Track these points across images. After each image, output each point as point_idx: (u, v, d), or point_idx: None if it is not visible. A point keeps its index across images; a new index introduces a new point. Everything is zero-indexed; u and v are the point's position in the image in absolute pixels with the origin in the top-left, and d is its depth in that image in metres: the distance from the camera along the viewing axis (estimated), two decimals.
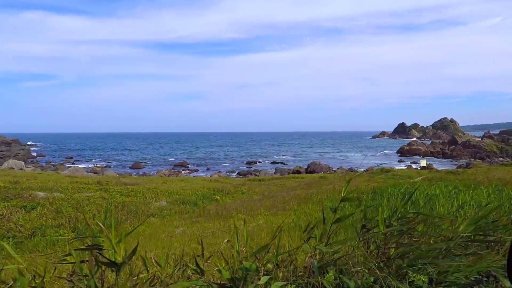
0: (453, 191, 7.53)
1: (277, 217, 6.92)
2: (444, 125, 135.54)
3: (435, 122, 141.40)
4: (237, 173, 39.46)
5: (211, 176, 34.91)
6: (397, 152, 69.63)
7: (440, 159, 58.51)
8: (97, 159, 57.61)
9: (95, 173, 35.64)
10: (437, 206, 5.78)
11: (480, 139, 65.66)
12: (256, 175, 35.09)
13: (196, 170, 44.19)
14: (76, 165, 43.37)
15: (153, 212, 8.06)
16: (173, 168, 45.45)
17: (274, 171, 40.01)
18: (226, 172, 41.65)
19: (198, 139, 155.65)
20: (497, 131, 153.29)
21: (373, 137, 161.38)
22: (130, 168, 47.27)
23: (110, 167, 46.86)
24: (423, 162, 26.37)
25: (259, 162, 54.50)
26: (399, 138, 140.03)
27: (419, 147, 66.27)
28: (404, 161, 53.81)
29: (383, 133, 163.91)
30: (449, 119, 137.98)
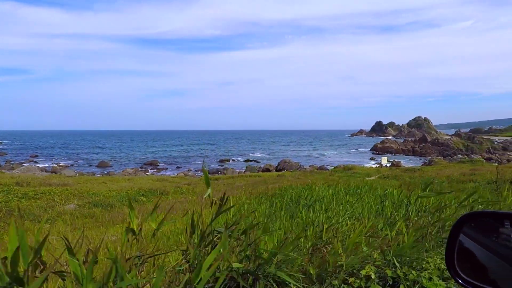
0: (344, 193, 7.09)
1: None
2: (418, 123, 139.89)
3: (410, 120, 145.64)
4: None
5: (177, 174, 33.87)
6: (371, 150, 70.88)
7: (410, 156, 59.95)
8: (63, 158, 54.93)
9: (53, 172, 33.76)
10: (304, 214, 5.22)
11: (449, 137, 67.87)
12: (224, 173, 34.39)
13: (165, 169, 42.88)
14: (34, 165, 40.98)
15: (50, 217, 7.19)
16: (141, 167, 43.92)
17: (244, 169, 39.45)
18: (195, 170, 40.61)
19: (177, 137, 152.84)
20: (468, 130, 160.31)
21: (352, 135, 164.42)
22: (96, 167, 45.32)
23: (73, 165, 44.78)
24: (384, 160, 26.54)
25: (233, 160, 53.79)
26: (376, 136, 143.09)
27: (392, 145, 67.72)
28: (375, 159, 54.61)
29: (361, 131, 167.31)
30: (423, 117, 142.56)
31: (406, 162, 48.74)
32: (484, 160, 32.64)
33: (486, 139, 67.93)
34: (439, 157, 43.86)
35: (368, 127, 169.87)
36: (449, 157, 43.31)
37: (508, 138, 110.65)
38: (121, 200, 9.30)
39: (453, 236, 0.90)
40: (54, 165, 42.67)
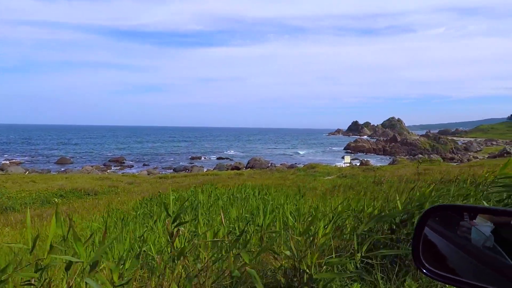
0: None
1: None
2: (392, 124, 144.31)
3: (384, 121, 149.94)
4: (173, 170, 37.30)
5: (139, 172, 32.35)
6: (344, 149, 71.89)
7: (381, 155, 61.26)
8: (18, 154, 51.35)
9: (1, 170, 31.28)
10: None
11: (417, 137, 70.05)
12: (190, 171, 33.27)
13: (131, 166, 41.08)
14: None
15: None
16: (104, 164, 41.82)
17: (214, 167, 38.49)
18: (162, 168, 39.23)
19: (152, 134, 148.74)
20: (437, 131, 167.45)
21: (329, 134, 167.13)
22: (55, 163, 42.69)
23: (28, 162, 41.93)
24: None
25: (205, 157, 52.60)
26: (352, 135, 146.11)
27: (364, 144, 69.02)
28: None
29: (338, 131, 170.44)
30: (396, 118, 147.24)
31: (376, 161, 49.68)
32: (442, 160, 33.59)
33: (451, 139, 70.75)
34: (402, 157, 44.94)
35: (346, 127, 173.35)
36: (411, 156, 44.41)
37: (472, 139, 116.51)
38: (31, 201, 8.16)
39: (419, 229, 0.92)
40: (6, 161, 39.63)
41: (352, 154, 63.56)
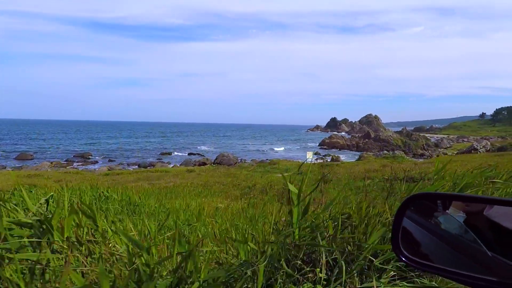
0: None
1: None
2: (369, 120, 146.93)
3: (361, 118, 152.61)
4: (138, 165, 36.05)
5: (98, 168, 30.93)
6: (319, 145, 72.49)
7: (354, 151, 62.12)
8: None
9: None
10: None
11: (390, 134, 71.51)
12: (152, 167, 32.19)
13: (95, 162, 39.36)
14: None
15: None
16: (66, 160, 39.88)
17: (180, 163, 37.50)
18: (127, 164, 37.83)
19: (128, 129, 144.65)
20: (412, 128, 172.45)
21: (308, 130, 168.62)
22: (14, 159, 40.35)
23: None
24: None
25: (176, 153, 51.36)
26: (330, 132, 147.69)
27: (338, 140, 69.79)
28: (319, 154, 55.61)
29: (317, 127, 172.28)
30: (373, 115, 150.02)
31: (348, 157, 50.14)
32: (405, 156, 34.26)
33: (422, 136, 72.83)
34: (369, 153, 45.62)
35: (325, 123, 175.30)
36: (380, 152, 45.18)
37: (445, 136, 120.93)
38: None
39: (398, 217, 0.95)
40: None
41: (326, 150, 64.24)
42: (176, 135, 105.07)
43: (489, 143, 59.29)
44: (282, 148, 68.26)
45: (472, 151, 54.90)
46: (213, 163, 36.82)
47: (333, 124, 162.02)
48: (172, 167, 33.07)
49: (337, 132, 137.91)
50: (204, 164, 36.04)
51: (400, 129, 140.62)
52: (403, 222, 0.96)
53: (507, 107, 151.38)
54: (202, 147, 64.15)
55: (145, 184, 10.79)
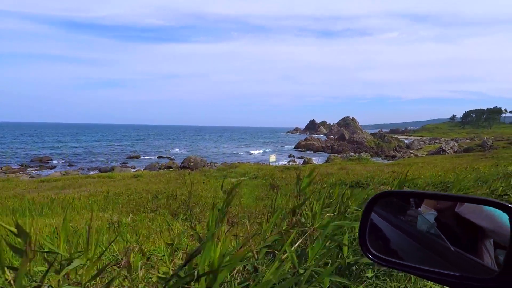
0: None
1: None
2: (346, 123, 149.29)
3: (339, 120, 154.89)
4: (99, 170, 33.95)
5: (50, 174, 28.69)
6: (295, 147, 72.22)
7: (328, 153, 62.19)
8: None
9: None
10: None
11: (363, 136, 72.31)
12: (112, 171, 30.30)
13: (53, 167, 36.77)
14: None
15: None
16: (21, 165, 37.02)
17: (144, 167, 35.73)
18: (88, 169, 35.60)
19: (103, 131, 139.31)
20: (388, 130, 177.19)
21: (287, 132, 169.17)
22: None
23: None
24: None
25: (144, 157, 49.24)
26: (309, 134, 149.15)
27: (314, 142, 69.80)
28: (293, 156, 55.23)
29: (296, 129, 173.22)
30: (351, 118, 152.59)
31: (322, 159, 49.93)
32: (370, 158, 34.28)
33: (395, 138, 74.16)
34: (336, 155, 45.64)
35: (304, 126, 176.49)
36: (345, 154, 45.18)
37: (418, 137, 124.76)
38: None
39: (365, 215, 0.95)
40: None
41: (302, 152, 64.03)
42: (152, 138, 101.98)
43: (456, 144, 61.20)
44: (260, 151, 67.37)
45: (441, 152, 56.43)
46: (180, 167, 35.34)
47: (312, 126, 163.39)
48: (136, 171, 31.33)
49: (316, 134, 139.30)
50: (170, 168, 34.50)
51: (377, 131, 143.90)
52: (371, 220, 0.93)
53: (475, 110, 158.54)
54: (175, 150, 62.22)
55: (61, 193, 9.40)
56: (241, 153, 62.51)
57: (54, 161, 41.27)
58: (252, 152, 66.16)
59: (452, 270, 0.73)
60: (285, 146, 78.30)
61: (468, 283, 0.70)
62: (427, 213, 0.84)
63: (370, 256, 0.90)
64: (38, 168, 35.49)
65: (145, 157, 49.12)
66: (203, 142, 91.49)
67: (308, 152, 64.99)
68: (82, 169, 35.70)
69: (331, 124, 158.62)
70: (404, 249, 0.88)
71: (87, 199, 7.33)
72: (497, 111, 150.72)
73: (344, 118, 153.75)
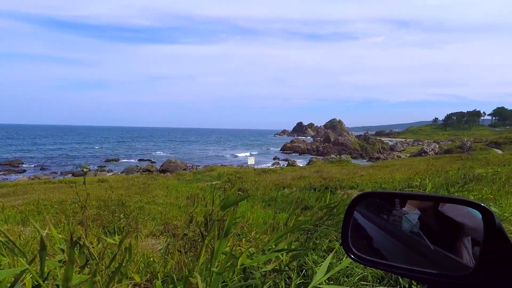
0: None
1: None
2: (333, 125, 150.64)
3: (326, 122, 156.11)
4: (72, 174, 32.52)
5: (19, 178, 27.18)
6: (281, 150, 71.90)
7: (314, 155, 62.13)
8: None
9: None
10: None
11: (349, 137, 72.69)
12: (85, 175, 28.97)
13: (23, 171, 35.00)
14: None
15: None
16: None
17: (121, 171, 34.48)
18: (61, 173, 34.09)
19: (85, 134, 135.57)
20: (374, 132, 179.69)
21: (275, 135, 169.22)
22: None
23: None
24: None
25: (125, 160, 47.78)
26: (297, 136, 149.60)
27: (299, 144, 69.66)
28: (278, 158, 54.82)
29: (284, 131, 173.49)
30: (337, 120, 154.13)
31: (304, 161, 49.74)
32: (351, 160, 34.20)
33: (379, 140, 74.90)
34: (318, 157, 45.52)
35: (292, 128, 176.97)
36: (327, 156, 45.09)
37: (402, 139, 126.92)
38: None
39: (348, 216, 0.95)
40: None
41: (287, 155, 63.75)
42: (136, 140, 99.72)
43: (437, 146, 62.31)
44: (246, 154, 66.60)
45: (422, 154, 57.27)
46: (158, 170, 34.28)
47: (299, 128, 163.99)
48: (112, 175, 30.12)
49: (304, 136, 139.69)
50: (148, 171, 33.36)
51: (363, 133, 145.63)
52: (355, 220, 0.94)
53: (456, 112, 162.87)
54: (158, 152, 60.82)
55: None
56: (227, 156, 61.65)
57: (25, 165, 39.39)
58: (238, 154, 65.33)
59: (431, 268, 0.75)
60: (272, 149, 77.90)
61: (445, 280, 0.72)
62: (411, 213, 0.84)
63: (352, 256, 0.90)
64: (6, 172, 33.67)
65: (125, 160, 47.65)
66: (188, 144, 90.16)
67: (294, 154, 64.77)
68: (55, 173, 34.18)
69: (318, 126, 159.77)
70: (387, 249, 0.88)
71: (13, 208, 6.50)
72: (476, 114, 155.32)
73: (331, 120, 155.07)
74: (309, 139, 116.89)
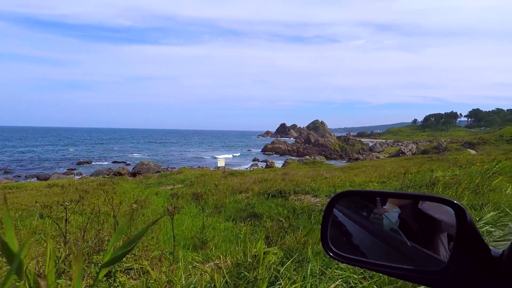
0: None
1: None
2: (316, 126, 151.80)
3: (309, 123, 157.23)
4: (37, 178, 30.84)
5: None
6: (262, 151, 71.49)
7: (294, 156, 62.02)
8: None
9: None
10: None
11: (329, 139, 73.16)
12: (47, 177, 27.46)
13: None
14: None
15: None
16: None
17: (90, 174, 32.99)
18: (26, 176, 32.27)
19: (64, 135, 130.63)
20: (356, 133, 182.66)
21: (259, 136, 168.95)
22: None
23: None
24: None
25: (99, 162, 45.97)
26: (280, 137, 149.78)
27: (280, 145, 69.47)
28: (258, 160, 54.35)
29: (267, 133, 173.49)
30: (320, 121, 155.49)
31: (282, 162, 49.45)
32: (325, 161, 34.19)
33: (358, 141, 75.79)
34: (293, 158, 45.46)
35: (276, 129, 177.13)
36: (302, 157, 45.01)
37: (383, 140, 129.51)
38: None
39: (327, 214, 0.96)
40: None
41: (267, 156, 63.36)
42: (114, 142, 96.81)
43: (414, 147, 63.65)
44: (228, 155, 65.71)
45: (400, 155, 58.26)
46: (130, 173, 33.04)
47: (283, 129, 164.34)
48: (79, 178, 28.65)
49: (287, 137, 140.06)
50: (119, 174, 32.07)
51: (345, 134, 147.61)
52: (335, 218, 0.94)
53: (435, 114, 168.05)
54: (135, 154, 59.04)
55: None
56: (207, 157, 60.60)
57: None
58: (218, 156, 64.36)
59: (408, 264, 0.76)
60: (253, 150, 77.41)
61: (420, 275, 0.74)
62: (392, 211, 0.85)
63: (331, 254, 0.90)
64: None
65: (99, 162, 45.84)
66: (170, 146, 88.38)
67: (275, 155, 64.45)
68: (19, 176, 32.35)
69: (301, 127, 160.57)
70: (366, 246, 0.88)
71: None
72: (453, 116, 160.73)
73: (313, 121, 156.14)
74: (292, 140, 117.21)
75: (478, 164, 10.22)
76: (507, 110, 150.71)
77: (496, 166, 8.19)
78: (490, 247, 0.66)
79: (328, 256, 0.91)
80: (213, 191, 11.13)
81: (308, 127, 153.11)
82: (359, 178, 10.69)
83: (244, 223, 7.01)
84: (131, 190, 12.14)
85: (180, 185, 15.09)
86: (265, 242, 5.26)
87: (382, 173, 11.49)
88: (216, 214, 8.14)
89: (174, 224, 6.64)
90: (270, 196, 8.97)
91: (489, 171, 7.80)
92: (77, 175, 33.22)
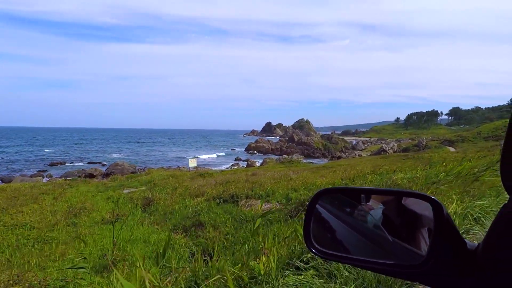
0: None
1: None
2: (301, 125, 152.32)
3: (294, 122, 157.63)
4: (1, 181, 29.19)
5: None
6: (245, 150, 70.84)
7: (278, 155, 61.71)
8: None
9: None
10: None
11: (313, 138, 73.25)
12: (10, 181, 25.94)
13: None
14: None
15: None
16: None
17: (61, 175, 31.52)
18: None
19: (41, 136, 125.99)
20: (341, 132, 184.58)
21: (244, 135, 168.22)
22: None
23: None
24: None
25: (73, 163, 44.21)
26: (265, 136, 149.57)
27: (264, 144, 69.01)
28: (240, 159, 53.72)
29: (253, 132, 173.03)
30: (305, 120, 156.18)
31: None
32: (303, 160, 33.98)
33: (341, 139, 76.23)
34: (271, 157, 45.12)
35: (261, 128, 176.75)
36: (281, 156, 44.65)
37: (367, 138, 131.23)
38: None
39: (309, 211, 0.96)
40: None
41: (250, 155, 62.79)
42: (95, 142, 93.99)
43: (396, 145, 64.46)
44: (211, 155, 64.66)
45: (382, 153, 58.83)
46: (103, 174, 31.76)
47: (268, 128, 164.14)
48: (48, 181, 27.23)
49: (272, 136, 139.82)
50: (92, 175, 30.78)
51: (330, 132, 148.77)
52: (318, 214, 0.94)
53: (417, 112, 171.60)
54: (114, 155, 57.28)
55: None
56: (188, 157, 59.37)
57: None
58: (200, 156, 63.27)
59: (389, 259, 0.78)
60: (237, 149, 76.70)
61: (400, 270, 0.76)
62: (375, 207, 0.86)
63: (313, 251, 0.90)
64: None
65: (73, 163, 44.07)
66: (152, 145, 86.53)
67: (259, 154, 63.91)
68: None
69: (287, 126, 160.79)
70: (349, 242, 0.88)
71: None
72: (434, 114, 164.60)
73: (299, 120, 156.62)
74: (277, 139, 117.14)
75: (444, 164, 9.93)
76: (485, 108, 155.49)
77: (458, 168, 7.85)
78: (466, 241, 0.68)
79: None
80: (169, 195, 10.40)
81: (293, 126, 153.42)
82: (324, 179, 10.22)
83: (187, 232, 6.36)
84: (82, 195, 11.25)
85: (143, 188, 14.27)
86: (203, 256, 4.63)
87: (349, 174, 11.06)
88: (162, 222, 7.45)
89: (115, 233, 5.92)
90: (222, 201, 8.35)
91: (449, 172, 7.45)
92: (46, 177, 31.69)
